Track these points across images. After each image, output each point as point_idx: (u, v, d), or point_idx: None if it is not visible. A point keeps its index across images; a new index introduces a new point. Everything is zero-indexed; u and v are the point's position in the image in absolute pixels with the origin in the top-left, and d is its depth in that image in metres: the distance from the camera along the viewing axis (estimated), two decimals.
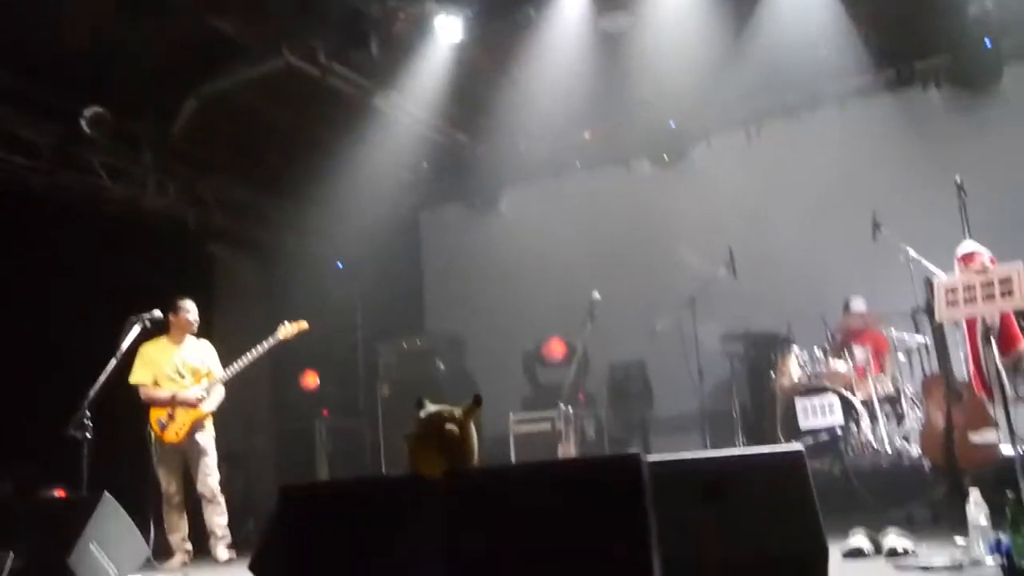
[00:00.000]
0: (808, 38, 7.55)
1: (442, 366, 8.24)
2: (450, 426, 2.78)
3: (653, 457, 3.14)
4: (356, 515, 2.98)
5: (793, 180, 8.20)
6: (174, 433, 6.14)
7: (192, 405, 6.18)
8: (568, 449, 6.40)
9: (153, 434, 6.15)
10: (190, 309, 6.44)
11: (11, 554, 4.62)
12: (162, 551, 5.99)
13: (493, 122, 8.62)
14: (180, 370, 6.30)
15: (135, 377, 6.17)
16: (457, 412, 2.85)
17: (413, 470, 2.83)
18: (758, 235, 7.98)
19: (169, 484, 6.16)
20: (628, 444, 8.21)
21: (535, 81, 7.86)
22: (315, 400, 8.89)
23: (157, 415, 6.18)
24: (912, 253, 6.09)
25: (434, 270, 10.26)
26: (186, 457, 6.23)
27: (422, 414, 2.87)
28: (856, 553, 3.81)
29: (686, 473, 3.28)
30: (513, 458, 7.00)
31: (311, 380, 9.00)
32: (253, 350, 6.33)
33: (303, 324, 6.58)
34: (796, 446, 3.38)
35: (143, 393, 6.19)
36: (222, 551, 6.10)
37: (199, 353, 6.45)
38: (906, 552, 3.70)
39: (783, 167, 8.33)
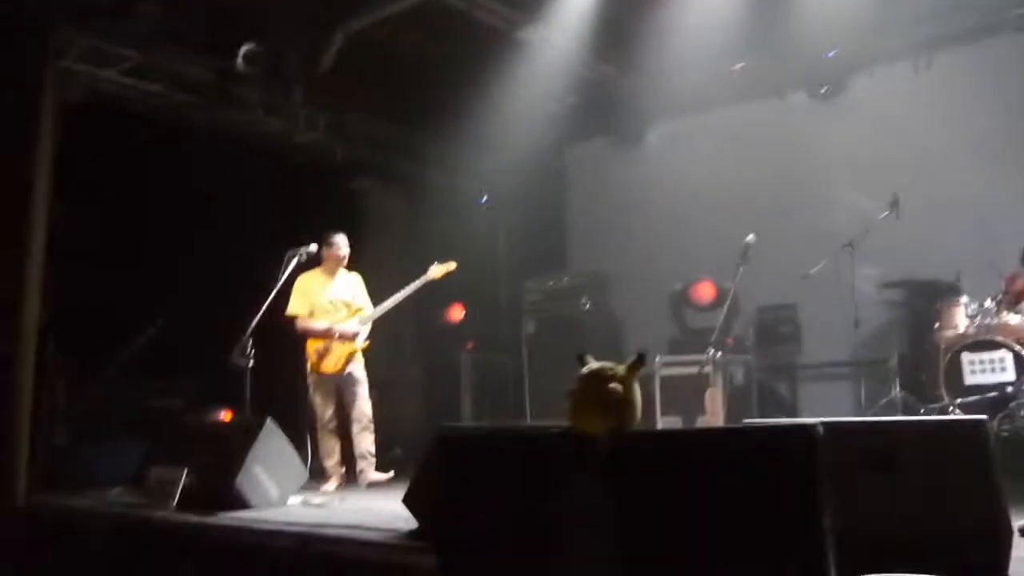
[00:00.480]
0: None
1: (588, 304, 8.17)
2: (613, 385, 2.72)
3: (822, 420, 3.00)
4: (513, 465, 2.98)
5: (966, 115, 7.52)
6: (332, 364, 6.34)
7: (349, 339, 6.38)
8: (715, 395, 6.27)
9: (310, 364, 6.39)
10: (342, 244, 6.56)
11: (185, 471, 4.94)
12: (316, 474, 6.28)
13: (641, 54, 8.31)
14: (334, 302, 6.47)
15: (292, 308, 6.37)
16: (620, 370, 2.78)
17: (574, 427, 2.79)
18: (926, 175, 7.42)
19: (325, 411, 6.40)
20: (776, 390, 7.99)
21: (685, 10, 7.51)
22: (460, 333, 9.03)
23: (315, 345, 6.39)
24: None
25: (580, 206, 10.09)
26: (340, 386, 6.45)
27: (584, 370, 2.82)
28: None
29: (857, 438, 3.13)
30: (658, 401, 6.93)
31: (456, 313, 9.15)
32: (404, 289, 6.47)
33: (452, 265, 6.63)
34: (979, 417, 3.16)
35: (300, 325, 6.39)
36: (374, 474, 6.33)
37: (350, 287, 6.61)
38: None
39: (955, 100, 7.64)
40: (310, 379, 6.43)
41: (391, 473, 6.29)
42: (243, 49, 7.44)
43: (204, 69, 7.71)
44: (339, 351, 6.36)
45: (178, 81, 7.61)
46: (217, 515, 4.47)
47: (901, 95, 7.98)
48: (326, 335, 6.36)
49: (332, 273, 6.56)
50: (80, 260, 7.02)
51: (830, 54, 8.20)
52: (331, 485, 6.23)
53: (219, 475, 4.91)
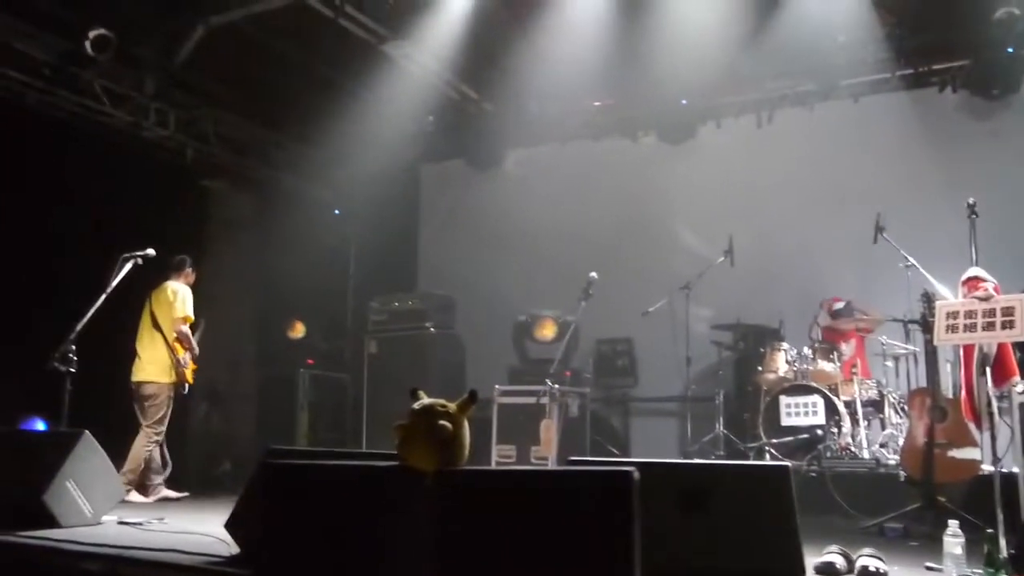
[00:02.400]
0: (831, 26, 7.49)
1: (432, 328, 8.18)
2: (443, 421, 2.76)
3: (639, 460, 3.15)
4: (339, 496, 2.97)
5: (800, 171, 8.13)
6: (189, 376, 6.63)
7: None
8: (550, 426, 6.42)
9: (176, 373, 6.54)
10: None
11: None
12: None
13: (505, 81, 8.48)
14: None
15: (191, 313, 6.61)
16: (452, 407, 2.82)
17: (402, 461, 2.80)
18: (760, 224, 7.93)
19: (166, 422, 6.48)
20: (609, 423, 8.25)
21: (551, 43, 7.71)
22: (301, 349, 8.84)
23: (181, 355, 6.56)
24: (912, 262, 6.10)
25: (431, 226, 10.14)
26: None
27: (416, 405, 2.84)
28: (828, 569, 3.83)
29: (671, 479, 3.30)
30: (495, 429, 7.02)
31: (298, 329, 8.96)
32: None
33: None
34: (783, 462, 3.39)
35: (186, 332, 6.57)
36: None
37: None
38: (878, 573, 3.73)
39: (791, 156, 8.25)
40: (169, 389, 6.51)
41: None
42: (93, 33, 7.05)
43: (46, 49, 7.27)
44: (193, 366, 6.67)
45: (15, 58, 7.14)
46: (20, 533, 4.18)
47: (744, 145, 8.52)
48: (191, 348, 6.62)
49: None
50: None
51: (684, 102, 8.62)
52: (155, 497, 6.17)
53: (27, 489, 4.58)
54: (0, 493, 4.64)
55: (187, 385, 6.64)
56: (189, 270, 6.82)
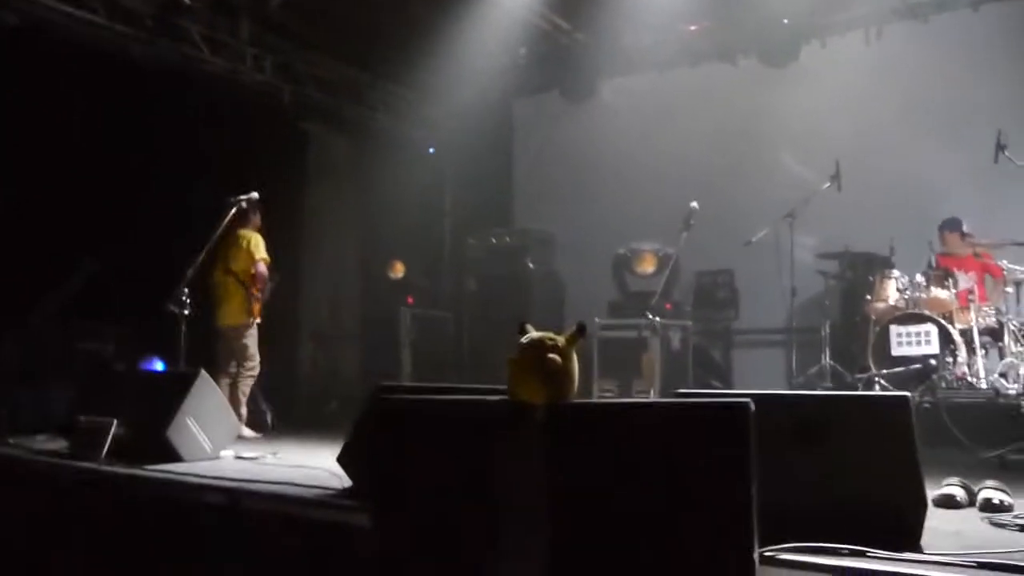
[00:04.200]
0: None
1: (531, 264, 8.14)
2: (552, 355, 2.73)
3: (752, 392, 3.06)
4: (450, 430, 2.99)
5: (912, 88, 7.68)
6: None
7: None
8: (652, 359, 6.35)
9: (256, 312, 6.62)
10: None
11: (115, 421, 4.84)
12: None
13: (597, 10, 8.24)
14: None
15: (266, 255, 6.68)
16: (560, 340, 2.78)
17: (512, 395, 2.80)
18: (868, 147, 7.56)
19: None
20: (712, 356, 8.11)
21: None
22: (401, 288, 8.95)
23: (259, 295, 6.63)
24: None
25: (526, 161, 10.03)
26: None
27: (524, 339, 2.81)
28: (948, 501, 3.70)
29: (784, 410, 3.21)
30: (596, 364, 7.00)
31: (398, 269, 9.07)
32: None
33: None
34: (903, 393, 3.25)
35: (265, 272, 6.66)
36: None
37: None
38: (1003, 506, 3.58)
39: (903, 74, 7.79)
40: (254, 328, 6.61)
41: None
42: None
43: (147, 1, 7.42)
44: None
45: (119, 11, 7.31)
46: (147, 467, 4.40)
47: (851, 65, 8.08)
48: (263, 289, 6.68)
49: None
50: (7, 196, 6.75)
51: (785, 21, 8.22)
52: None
53: (150, 426, 4.81)
54: (127, 430, 4.89)
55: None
56: (256, 217, 6.84)
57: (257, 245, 6.70)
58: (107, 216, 7.25)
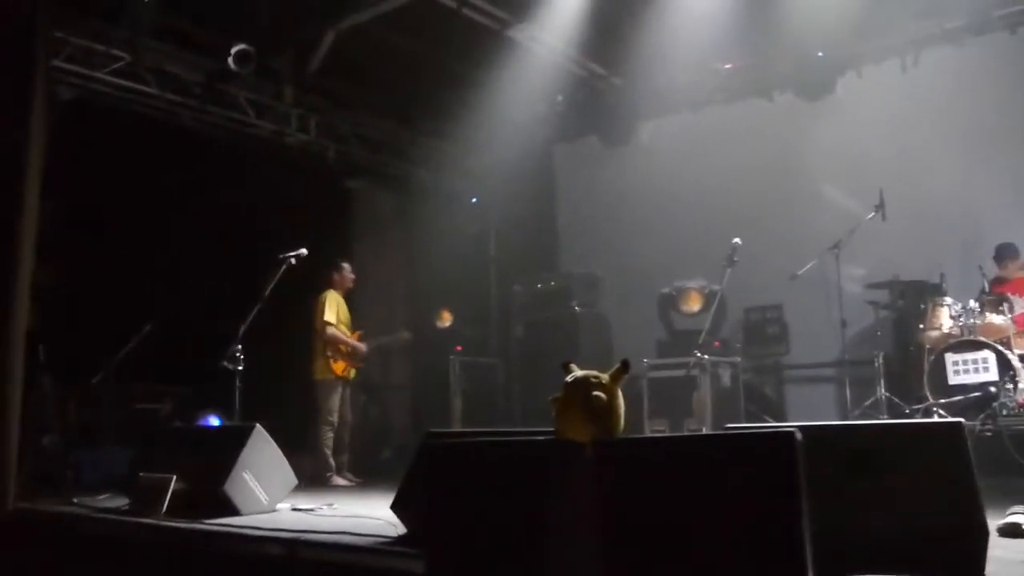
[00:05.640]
0: None
1: (577, 307, 8.17)
2: (597, 392, 2.74)
3: (802, 424, 3.04)
4: (499, 472, 3.01)
5: (952, 115, 7.59)
6: (347, 370, 7.23)
7: (364, 356, 7.37)
8: (702, 397, 6.31)
9: (334, 368, 7.10)
10: (351, 271, 7.47)
11: (174, 477, 4.93)
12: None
13: (631, 54, 8.32)
14: (346, 322, 7.34)
15: (329, 316, 7.17)
16: (604, 378, 2.80)
17: (559, 434, 2.82)
18: (911, 175, 7.47)
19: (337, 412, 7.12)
20: (763, 392, 8.02)
21: (675, 10, 7.55)
22: (450, 337, 9.03)
23: (341, 353, 7.16)
24: None
25: (568, 206, 10.11)
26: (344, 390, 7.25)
27: (568, 378, 2.84)
28: (1014, 530, 3.60)
29: (836, 441, 3.17)
30: (646, 404, 6.97)
31: (446, 318, 9.16)
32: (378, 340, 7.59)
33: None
34: (956, 420, 3.20)
35: (332, 332, 7.12)
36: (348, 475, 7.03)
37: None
38: None
39: (941, 100, 7.71)
40: (335, 385, 7.09)
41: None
42: (234, 49, 7.42)
43: (195, 69, 7.71)
44: (353, 362, 7.28)
45: (169, 81, 7.61)
46: (205, 521, 4.48)
47: (888, 94, 8.03)
48: (354, 347, 7.22)
49: (344, 297, 7.46)
50: (69, 262, 7.00)
51: (820, 54, 8.23)
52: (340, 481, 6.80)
53: (208, 481, 4.89)
54: (186, 485, 4.98)
55: (342, 379, 7.18)
56: (336, 276, 7.35)
57: (323, 307, 7.17)
58: (161, 278, 7.50)
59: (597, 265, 8.89)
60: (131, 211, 7.69)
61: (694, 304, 7.81)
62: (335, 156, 9.03)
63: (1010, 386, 6.05)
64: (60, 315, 6.77)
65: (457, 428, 8.21)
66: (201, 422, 6.82)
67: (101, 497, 5.54)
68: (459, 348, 8.93)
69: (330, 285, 7.31)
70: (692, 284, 7.84)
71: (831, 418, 7.50)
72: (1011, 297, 6.53)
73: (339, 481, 6.87)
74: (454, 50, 8.33)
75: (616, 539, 2.53)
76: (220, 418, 6.69)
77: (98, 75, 7.15)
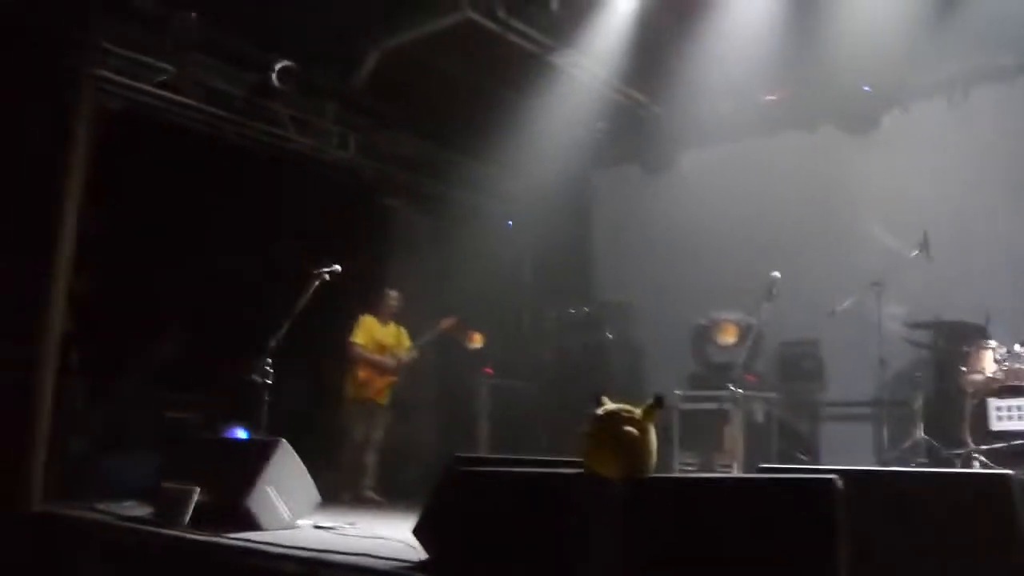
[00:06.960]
0: None
1: (609, 335, 8.10)
2: (628, 427, 2.67)
3: (841, 468, 2.94)
4: (525, 503, 2.95)
5: (1000, 151, 7.41)
6: (376, 393, 7.44)
7: (393, 373, 7.56)
8: (734, 432, 6.19)
9: (356, 390, 7.30)
10: (395, 297, 7.75)
11: (197, 489, 4.92)
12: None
13: (673, 82, 8.26)
14: (382, 343, 7.58)
15: (356, 337, 7.43)
16: (636, 412, 2.73)
17: (586, 468, 2.75)
18: (957, 213, 7.31)
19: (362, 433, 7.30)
20: (797, 429, 7.84)
21: (719, 39, 7.48)
22: (479, 359, 8.96)
23: (364, 374, 7.38)
24: None
25: (605, 233, 10.04)
26: (375, 412, 7.44)
27: (599, 411, 2.77)
28: None
29: (880, 489, 3.06)
30: (677, 436, 6.85)
31: (476, 340, 9.10)
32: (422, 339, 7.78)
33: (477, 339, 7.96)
34: (1005, 471, 3.08)
35: (358, 352, 7.39)
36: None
37: (394, 336, 7.73)
38: None
39: (990, 136, 7.54)
40: (350, 404, 7.31)
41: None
42: (278, 65, 7.49)
43: (238, 84, 7.78)
44: (381, 383, 7.47)
45: (212, 95, 7.67)
46: (227, 535, 4.45)
47: (934, 130, 7.88)
48: (377, 362, 7.42)
49: (384, 321, 7.71)
50: (107, 270, 7.06)
51: (866, 88, 8.11)
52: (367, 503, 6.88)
53: (231, 494, 4.88)
54: (209, 497, 4.96)
55: (370, 401, 7.42)
56: (377, 301, 7.67)
57: (356, 328, 7.46)
58: (196, 288, 7.53)
59: (631, 293, 8.81)
60: (171, 221, 7.75)
61: (729, 336, 7.70)
62: (373, 175, 9.05)
63: None
64: (96, 321, 6.81)
65: (483, 451, 8.14)
66: (227, 434, 6.81)
67: (126, 504, 5.54)
68: (489, 371, 8.87)
69: (368, 309, 7.56)
70: (728, 316, 7.72)
71: (866, 458, 7.33)
72: None
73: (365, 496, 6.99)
74: (496, 73, 8.32)
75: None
76: (247, 431, 6.68)
77: (144, 87, 7.23)
